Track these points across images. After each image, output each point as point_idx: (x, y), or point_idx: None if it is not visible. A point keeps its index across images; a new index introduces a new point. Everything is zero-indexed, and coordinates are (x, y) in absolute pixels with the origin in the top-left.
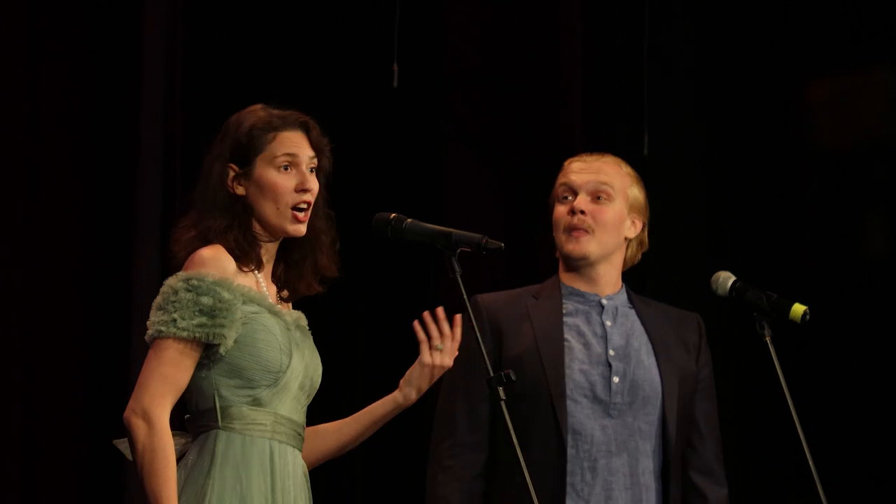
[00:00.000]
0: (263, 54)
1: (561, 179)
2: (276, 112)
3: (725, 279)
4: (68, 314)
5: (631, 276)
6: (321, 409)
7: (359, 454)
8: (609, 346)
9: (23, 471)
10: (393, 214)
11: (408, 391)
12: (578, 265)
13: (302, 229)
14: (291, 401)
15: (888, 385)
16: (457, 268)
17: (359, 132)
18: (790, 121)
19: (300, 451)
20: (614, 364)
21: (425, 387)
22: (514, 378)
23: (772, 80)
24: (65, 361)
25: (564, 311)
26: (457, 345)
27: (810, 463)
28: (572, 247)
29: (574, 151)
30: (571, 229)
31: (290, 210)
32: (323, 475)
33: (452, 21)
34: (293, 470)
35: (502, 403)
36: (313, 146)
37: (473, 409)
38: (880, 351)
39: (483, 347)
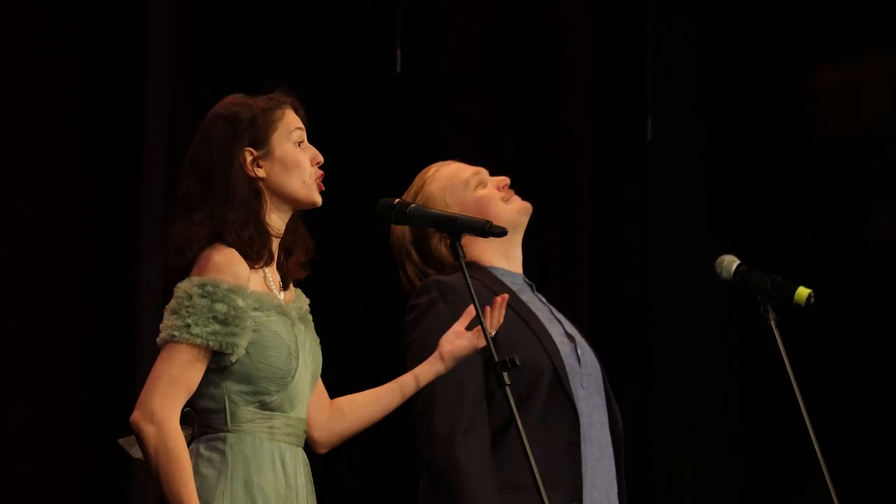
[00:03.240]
0: (267, 50)
1: (463, 172)
2: (260, 97)
3: (730, 263)
4: (69, 314)
5: (636, 263)
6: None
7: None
8: (559, 320)
9: (23, 471)
10: (397, 199)
11: (449, 364)
12: (523, 224)
13: (320, 200)
14: (302, 400)
15: None
16: (461, 253)
17: (361, 128)
18: (794, 108)
19: (301, 446)
20: (576, 338)
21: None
22: (518, 363)
23: (776, 68)
24: (66, 361)
25: (514, 290)
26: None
27: (817, 449)
28: (520, 204)
29: (578, 139)
30: (508, 196)
31: (314, 181)
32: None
33: (453, 17)
34: (301, 467)
35: (507, 389)
36: (304, 123)
37: (478, 385)
38: (888, 338)
39: (487, 332)
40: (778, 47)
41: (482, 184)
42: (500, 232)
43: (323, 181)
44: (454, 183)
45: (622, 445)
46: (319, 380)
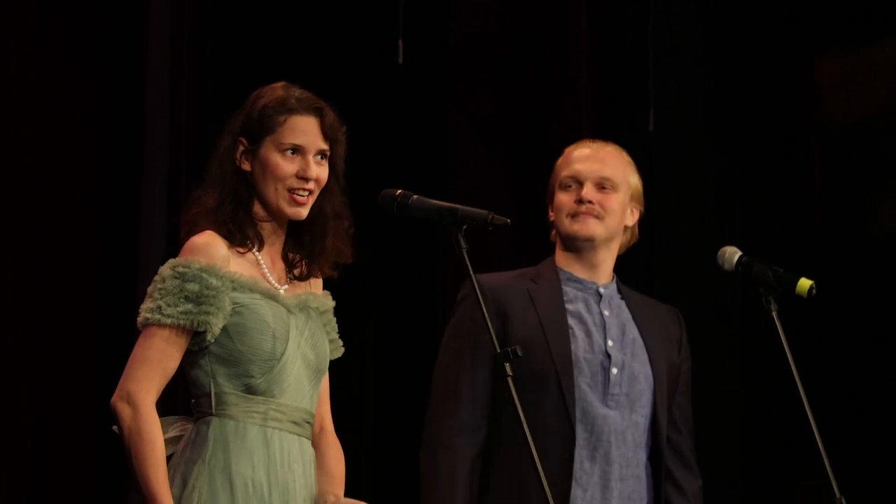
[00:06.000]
0: (268, 38)
1: (564, 169)
2: (295, 93)
3: (732, 254)
4: (75, 305)
5: (639, 257)
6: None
7: (367, 440)
8: (608, 336)
9: (33, 463)
10: (399, 191)
11: None
12: (582, 247)
13: (301, 212)
14: (294, 387)
15: None
16: (463, 244)
17: (365, 116)
18: (797, 100)
19: (307, 438)
20: (613, 355)
21: None
22: (521, 354)
23: (778, 59)
24: (72, 353)
25: (565, 298)
26: None
27: (818, 442)
28: (579, 227)
29: (579, 130)
30: (578, 214)
31: (287, 192)
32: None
33: (455, 9)
34: (298, 457)
35: (509, 380)
36: (325, 134)
37: (476, 387)
38: (890, 330)
39: (489, 324)
40: (781, 38)
41: (572, 187)
42: (502, 224)
43: (306, 193)
44: (560, 168)
45: (661, 464)
46: (325, 385)
